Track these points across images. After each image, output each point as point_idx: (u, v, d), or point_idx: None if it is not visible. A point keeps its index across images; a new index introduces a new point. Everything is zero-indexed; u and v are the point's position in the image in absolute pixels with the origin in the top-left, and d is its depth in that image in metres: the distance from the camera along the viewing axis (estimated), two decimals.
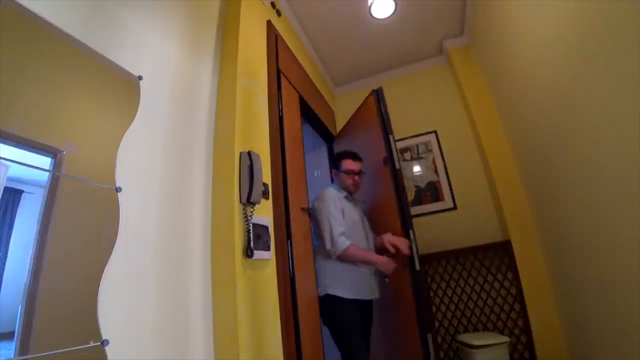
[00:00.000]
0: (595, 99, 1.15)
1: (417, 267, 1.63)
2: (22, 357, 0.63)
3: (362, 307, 1.60)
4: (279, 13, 2.00)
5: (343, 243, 1.58)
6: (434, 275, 2.37)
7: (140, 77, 1.02)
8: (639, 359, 1.14)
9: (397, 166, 1.78)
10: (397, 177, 1.77)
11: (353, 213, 1.72)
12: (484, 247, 2.27)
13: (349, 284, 1.57)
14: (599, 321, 1.43)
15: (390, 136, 1.85)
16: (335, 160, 1.89)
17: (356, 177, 1.78)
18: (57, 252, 0.76)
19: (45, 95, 0.81)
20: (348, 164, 1.80)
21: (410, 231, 1.69)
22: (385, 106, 1.92)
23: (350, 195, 1.79)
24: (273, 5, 1.93)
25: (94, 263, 0.79)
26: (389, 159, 1.81)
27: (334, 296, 1.55)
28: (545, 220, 1.92)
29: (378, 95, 1.98)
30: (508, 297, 2.19)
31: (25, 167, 0.72)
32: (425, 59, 2.97)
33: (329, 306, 1.55)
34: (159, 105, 1.11)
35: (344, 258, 1.59)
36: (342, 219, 1.64)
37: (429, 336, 1.54)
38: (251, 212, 1.21)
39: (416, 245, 1.68)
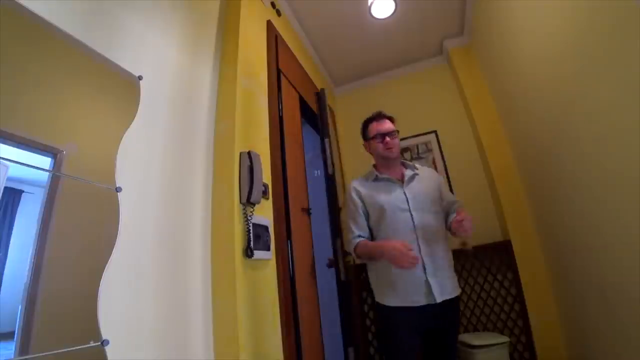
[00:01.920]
0: (595, 98, 1.15)
1: (343, 277, 1.34)
2: (22, 357, 0.63)
3: (417, 315, 1.21)
4: (279, 13, 2.00)
5: (351, 243, 1.32)
6: None
7: (140, 77, 1.02)
8: (638, 359, 1.14)
9: (330, 171, 1.45)
10: (330, 182, 1.44)
11: (385, 196, 1.33)
12: (484, 247, 2.27)
13: (393, 288, 1.25)
14: (598, 321, 1.43)
15: (326, 140, 1.48)
16: (363, 135, 1.52)
17: (387, 139, 1.40)
18: (57, 252, 0.76)
19: (45, 95, 0.81)
20: (372, 128, 1.45)
21: (338, 239, 1.36)
22: (324, 109, 1.55)
23: (388, 171, 1.41)
24: (273, 5, 1.94)
25: (94, 263, 0.79)
26: (324, 164, 1.46)
27: (379, 304, 1.30)
28: (545, 220, 1.92)
29: (319, 97, 1.59)
30: (508, 297, 2.19)
31: (25, 167, 0.72)
32: (425, 59, 2.96)
33: (378, 315, 1.35)
34: (159, 105, 1.11)
35: (360, 259, 1.34)
36: (360, 215, 1.34)
37: (350, 350, 1.30)
38: (251, 212, 1.21)
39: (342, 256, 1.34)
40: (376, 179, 1.41)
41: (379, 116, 1.48)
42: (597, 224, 1.31)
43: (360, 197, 1.37)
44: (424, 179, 1.43)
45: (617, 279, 1.23)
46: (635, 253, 1.07)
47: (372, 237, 1.34)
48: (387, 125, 1.45)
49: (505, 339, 1.91)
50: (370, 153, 1.51)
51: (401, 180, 1.38)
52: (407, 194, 1.33)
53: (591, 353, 1.57)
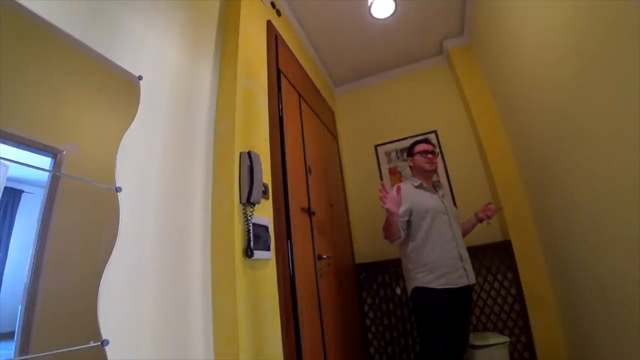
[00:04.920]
0: (594, 98, 1.15)
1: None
2: (22, 357, 0.63)
3: (454, 295, 1.58)
4: (279, 13, 2.00)
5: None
6: None
7: (140, 77, 1.02)
8: (638, 359, 1.14)
9: None
10: None
11: (428, 201, 1.71)
12: (484, 247, 2.27)
13: (439, 273, 1.57)
14: (599, 321, 1.43)
15: None
16: (408, 153, 1.95)
17: (430, 156, 1.82)
18: (57, 252, 0.76)
19: (45, 95, 0.81)
20: (421, 147, 1.87)
21: None
22: None
23: (425, 182, 1.81)
24: (273, 5, 1.93)
25: (94, 263, 0.79)
26: None
27: (422, 288, 1.57)
28: (545, 220, 1.92)
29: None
30: (508, 297, 2.19)
31: (25, 167, 0.72)
32: (425, 58, 2.96)
33: (420, 298, 1.60)
34: (159, 105, 1.11)
35: (384, 234, 1.64)
36: (402, 209, 1.64)
37: None
38: (251, 212, 1.21)
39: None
40: (420, 186, 1.78)
41: (426, 140, 1.93)
42: (597, 223, 1.31)
43: (411, 197, 1.70)
44: (448, 200, 1.92)
45: (617, 279, 1.23)
46: (635, 253, 1.07)
47: (409, 232, 1.67)
48: (432, 147, 1.88)
49: (505, 339, 1.91)
50: (412, 167, 1.90)
51: (437, 193, 1.82)
52: (445, 204, 1.76)
53: (591, 353, 1.57)
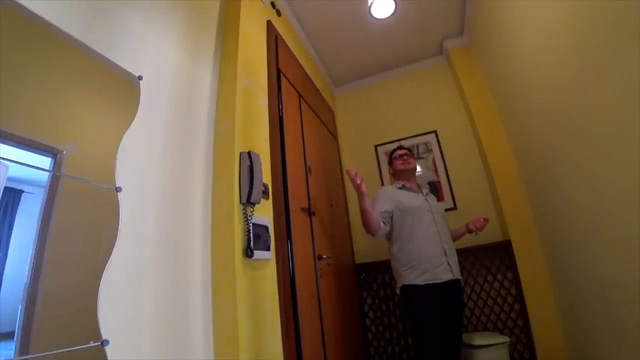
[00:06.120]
0: (594, 98, 1.15)
1: None
2: (22, 357, 0.63)
3: (440, 291, 1.58)
4: (279, 13, 2.00)
5: None
6: None
7: (140, 77, 1.02)
8: (638, 359, 1.14)
9: None
10: None
11: (410, 200, 1.76)
12: (484, 247, 2.27)
13: (423, 269, 1.58)
14: (599, 321, 1.43)
15: None
16: (388, 163, 2.06)
17: (405, 157, 1.91)
18: (57, 252, 0.76)
19: (45, 95, 0.81)
20: (396, 153, 1.97)
21: None
22: None
23: (408, 183, 1.86)
24: (273, 5, 1.93)
25: (94, 263, 0.79)
26: None
27: (409, 285, 1.58)
28: (546, 220, 1.92)
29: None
30: (508, 297, 2.19)
31: (25, 167, 0.72)
32: (425, 58, 2.96)
33: (408, 295, 1.60)
34: (159, 105, 1.11)
35: (366, 229, 1.68)
36: (385, 205, 1.73)
37: None
38: (251, 212, 1.21)
39: None
40: (403, 187, 1.83)
41: (400, 147, 2.03)
42: (597, 223, 1.31)
43: (396, 198, 1.76)
44: (433, 199, 1.94)
45: (617, 279, 1.23)
46: (635, 252, 1.07)
47: (391, 230, 1.72)
48: (405, 151, 1.95)
49: (505, 339, 1.91)
50: (393, 174, 1.97)
51: (421, 192, 1.86)
52: (429, 202, 1.80)
53: (591, 353, 1.57)
